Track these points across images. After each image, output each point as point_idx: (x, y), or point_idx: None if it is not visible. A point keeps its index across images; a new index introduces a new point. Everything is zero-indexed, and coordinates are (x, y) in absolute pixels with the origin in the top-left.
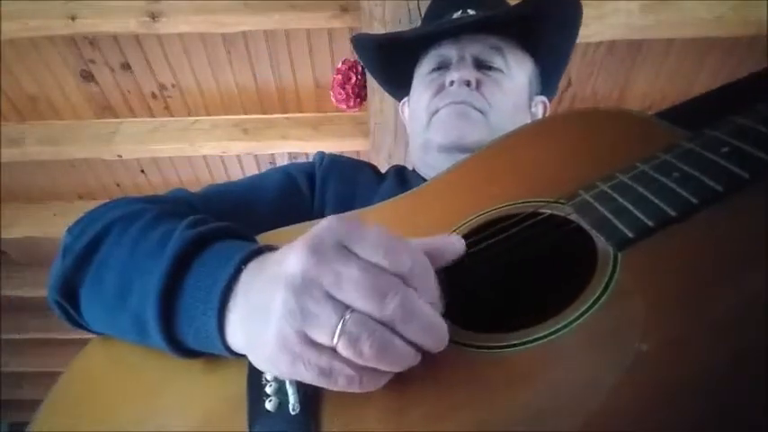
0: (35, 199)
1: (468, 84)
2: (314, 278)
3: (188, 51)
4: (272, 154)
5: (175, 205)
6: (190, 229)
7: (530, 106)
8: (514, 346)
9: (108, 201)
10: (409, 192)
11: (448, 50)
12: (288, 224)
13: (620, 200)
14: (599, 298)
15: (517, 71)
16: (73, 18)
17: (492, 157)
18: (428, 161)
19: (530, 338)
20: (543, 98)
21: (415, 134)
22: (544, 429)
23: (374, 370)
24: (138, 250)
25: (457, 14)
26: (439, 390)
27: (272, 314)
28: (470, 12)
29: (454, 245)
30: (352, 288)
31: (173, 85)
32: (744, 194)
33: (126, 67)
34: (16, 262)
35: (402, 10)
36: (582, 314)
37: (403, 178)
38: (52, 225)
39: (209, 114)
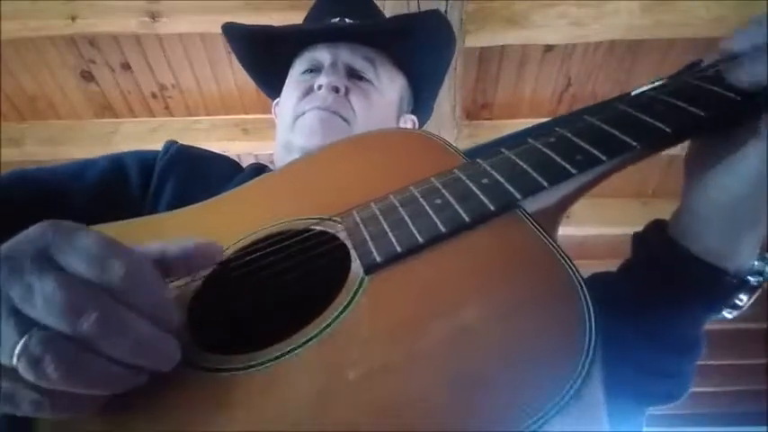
0: None
1: (336, 90)
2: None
3: (188, 51)
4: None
5: None
6: None
7: (398, 123)
8: (244, 368)
9: None
10: (214, 198)
11: (321, 54)
12: (107, 219)
13: (383, 222)
14: (332, 321)
15: (388, 85)
16: (73, 18)
17: (298, 170)
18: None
19: (257, 361)
20: (413, 117)
21: (280, 133)
22: None
23: (74, 393)
24: None
25: (335, 21)
26: (163, 413)
27: None
28: (348, 21)
29: (210, 248)
30: (42, 303)
31: (173, 85)
32: (486, 228)
33: (126, 67)
34: None
35: (402, 10)
36: (312, 337)
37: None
38: None
39: (209, 114)
